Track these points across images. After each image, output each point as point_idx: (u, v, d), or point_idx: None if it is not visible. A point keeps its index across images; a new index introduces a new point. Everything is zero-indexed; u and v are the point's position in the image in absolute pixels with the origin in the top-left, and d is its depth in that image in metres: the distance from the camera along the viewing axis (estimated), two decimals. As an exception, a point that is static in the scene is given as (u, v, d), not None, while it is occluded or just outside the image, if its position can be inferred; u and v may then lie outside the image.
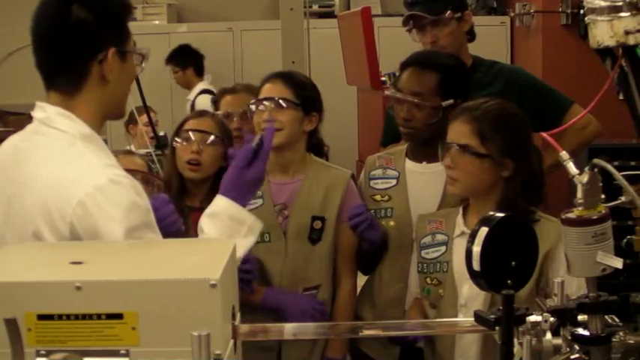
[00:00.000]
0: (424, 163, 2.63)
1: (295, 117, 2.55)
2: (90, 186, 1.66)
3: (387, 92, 2.68)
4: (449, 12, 3.01)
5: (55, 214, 1.65)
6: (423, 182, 2.61)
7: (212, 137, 2.64)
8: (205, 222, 1.89)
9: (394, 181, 2.64)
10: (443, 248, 2.35)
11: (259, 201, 2.59)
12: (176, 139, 2.69)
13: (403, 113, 2.57)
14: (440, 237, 2.36)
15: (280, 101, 2.55)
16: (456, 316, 2.26)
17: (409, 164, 2.65)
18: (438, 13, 3.03)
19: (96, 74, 1.77)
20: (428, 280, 2.38)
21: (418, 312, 2.43)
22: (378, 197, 2.65)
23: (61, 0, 1.77)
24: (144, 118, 4.45)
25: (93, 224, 1.64)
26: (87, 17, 1.75)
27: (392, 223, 2.60)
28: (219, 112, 3.10)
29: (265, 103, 2.57)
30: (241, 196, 1.91)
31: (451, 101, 2.54)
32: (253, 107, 2.60)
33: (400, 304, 2.56)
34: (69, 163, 1.71)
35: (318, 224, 2.57)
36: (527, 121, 2.32)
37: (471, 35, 3.12)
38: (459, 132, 2.26)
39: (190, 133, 2.66)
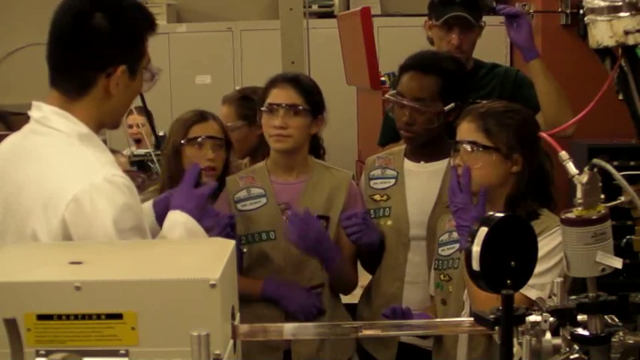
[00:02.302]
0: (422, 162, 2.65)
1: (305, 123, 2.57)
2: (86, 183, 1.65)
3: (387, 95, 2.68)
4: (481, 22, 3.08)
5: (50, 210, 1.65)
6: (421, 182, 2.63)
7: (220, 142, 2.69)
8: (164, 235, 1.93)
9: (393, 181, 2.66)
10: (457, 245, 2.36)
11: (263, 200, 2.63)
12: (189, 143, 2.70)
13: (405, 118, 2.57)
14: (456, 235, 2.37)
15: (292, 109, 2.55)
16: (461, 312, 2.30)
17: (407, 164, 2.67)
18: (476, 20, 3.08)
19: (101, 86, 1.76)
20: (441, 276, 2.42)
21: (432, 311, 2.46)
22: (377, 197, 2.66)
23: (86, 3, 1.75)
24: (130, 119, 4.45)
25: (85, 221, 1.64)
26: (106, 29, 1.73)
27: (390, 222, 2.62)
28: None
29: (277, 108, 2.56)
30: (194, 210, 1.97)
31: (452, 105, 2.55)
32: (265, 109, 2.60)
33: (397, 303, 2.57)
34: (67, 162, 1.72)
35: (323, 223, 2.58)
36: (534, 119, 2.35)
37: None
38: (465, 130, 2.28)
39: (204, 140, 2.69)
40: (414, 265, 2.60)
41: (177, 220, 1.95)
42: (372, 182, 2.69)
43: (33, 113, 1.80)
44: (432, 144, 2.61)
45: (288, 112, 2.55)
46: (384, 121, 3.18)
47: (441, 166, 2.62)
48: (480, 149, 2.23)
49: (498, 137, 2.22)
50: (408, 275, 2.60)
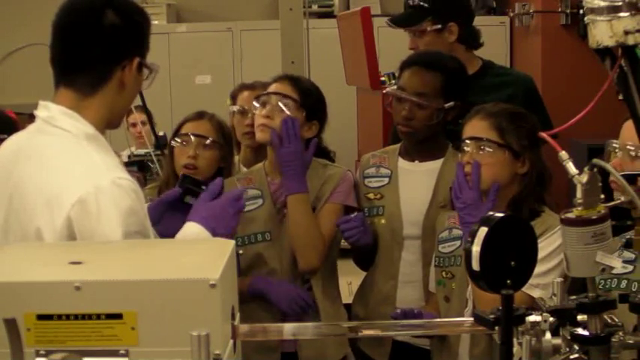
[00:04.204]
0: (416, 161, 2.66)
1: (295, 117, 2.55)
2: (92, 185, 1.66)
3: (388, 89, 2.68)
4: (423, 24, 3.03)
5: (55, 209, 1.65)
6: (415, 181, 2.64)
7: (208, 141, 2.66)
8: None
9: (387, 180, 2.67)
10: (458, 242, 2.37)
11: (259, 201, 2.63)
12: (175, 139, 2.71)
13: (405, 112, 2.58)
14: (456, 232, 2.39)
15: (282, 99, 2.55)
16: (465, 309, 2.31)
17: (401, 163, 2.68)
18: (409, 25, 3.08)
19: (116, 79, 1.80)
20: (443, 273, 2.43)
21: (432, 308, 2.47)
22: (371, 195, 2.67)
23: (96, 2, 1.80)
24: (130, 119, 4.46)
25: (89, 223, 1.64)
26: (119, 23, 1.79)
27: (383, 221, 2.63)
28: (234, 108, 3.12)
29: (269, 97, 2.57)
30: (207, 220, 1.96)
31: (452, 103, 2.55)
32: (257, 103, 2.61)
33: (392, 302, 2.59)
34: (73, 162, 1.72)
35: None
36: (538, 124, 2.36)
37: (470, 43, 3.11)
38: (477, 127, 2.30)
39: (187, 136, 2.68)
40: (408, 263, 2.61)
41: (193, 232, 1.94)
42: (366, 181, 2.70)
43: (40, 112, 1.81)
44: (428, 142, 2.62)
45: (277, 105, 2.55)
46: (392, 131, 3.18)
47: (435, 165, 2.63)
48: (492, 146, 2.24)
49: (511, 136, 2.25)
50: (402, 274, 2.62)
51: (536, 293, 1.98)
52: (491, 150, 2.25)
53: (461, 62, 2.76)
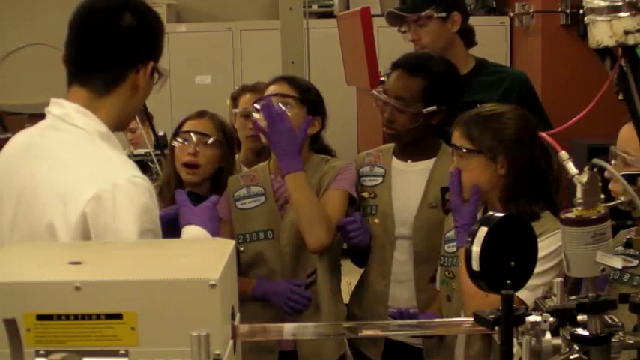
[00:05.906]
0: (409, 161, 2.66)
1: (298, 114, 2.56)
2: (108, 182, 1.68)
3: (374, 91, 2.69)
4: (429, 10, 3.02)
5: (70, 205, 1.66)
6: (407, 180, 2.65)
7: (209, 139, 2.66)
8: None
9: (380, 179, 2.68)
10: None
11: (262, 198, 2.64)
12: (176, 138, 2.71)
13: (387, 115, 2.61)
14: None
15: (282, 98, 2.55)
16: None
17: (395, 162, 2.69)
18: (415, 11, 3.05)
19: (130, 82, 1.81)
20: (447, 273, 2.45)
21: (436, 307, 2.51)
22: (365, 194, 2.69)
23: (115, 4, 1.81)
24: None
25: (104, 220, 1.65)
26: (136, 27, 1.81)
27: (376, 220, 2.63)
28: (237, 110, 3.12)
29: (271, 99, 2.57)
30: (207, 223, 2.00)
31: (434, 108, 2.54)
32: (258, 106, 2.60)
33: (384, 301, 2.61)
34: (88, 159, 1.74)
35: None
36: (521, 120, 2.31)
37: (467, 39, 3.11)
38: (455, 137, 2.35)
39: (188, 134, 2.67)
40: (400, 263, 2.62)
41: (197, 234, 1.97)
42: (361, 179, 2.71)
43: (53, 109, 1.82)
44: (416, 144, 2.63)
45: (282, 101, 2.55)
46: None
47: (427, 165, 2.64)
48: (464, 155, 2.28)
49: (481, 141, 2.27)
50: (394, 274, 2.63)
51: (522, 294, 1.98)
52: (466, 157, 2.29)
53: (451, 64, 2.73)
